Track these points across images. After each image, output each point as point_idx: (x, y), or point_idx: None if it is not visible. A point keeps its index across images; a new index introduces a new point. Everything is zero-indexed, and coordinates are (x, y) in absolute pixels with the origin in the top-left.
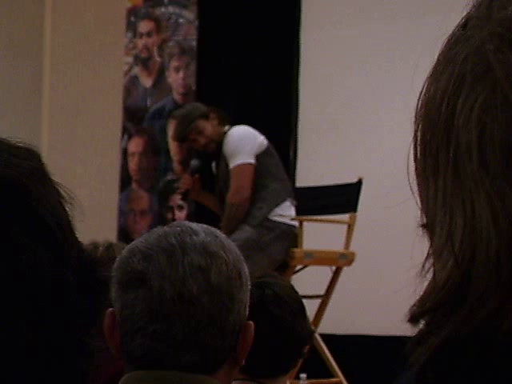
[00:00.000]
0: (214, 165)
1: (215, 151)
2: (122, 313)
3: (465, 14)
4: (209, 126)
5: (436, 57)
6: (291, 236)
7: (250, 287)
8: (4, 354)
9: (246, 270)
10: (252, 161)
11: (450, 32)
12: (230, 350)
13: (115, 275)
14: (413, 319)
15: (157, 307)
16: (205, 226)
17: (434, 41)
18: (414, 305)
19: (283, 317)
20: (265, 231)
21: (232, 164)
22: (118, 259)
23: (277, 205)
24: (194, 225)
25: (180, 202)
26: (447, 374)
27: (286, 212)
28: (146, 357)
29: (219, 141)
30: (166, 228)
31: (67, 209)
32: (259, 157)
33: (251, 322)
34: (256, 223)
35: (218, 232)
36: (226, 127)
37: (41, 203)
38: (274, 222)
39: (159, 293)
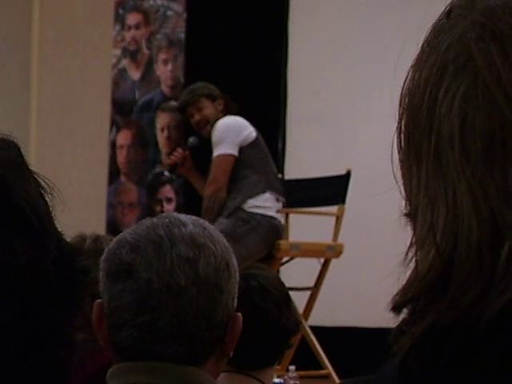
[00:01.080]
0: None
1: (209, 135)
2: (110, 304)
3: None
4: (210, 108)
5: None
6: (268, 227)
7: (238, 279)
8: None
9: (234, 261)
10: (232, 152)
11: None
12: (218, 341)
13: (103, 267)
14: (395, 308)
15: (145, 299)
16: (193, 217)
17: (422, 29)
18: (397, 294)
19: (268, 308)
20: (240, 223)
21: (214, 153)
22: (106, 251)
23: (251, 196)
24: (183, 216)
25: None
26: (429, 363)
27: (262, 203)
28: (133, 348)
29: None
30: (154, 219)
31: (47, 199)
32: (243, 149)
33: (239, 314)
34: (228, 213)
35: (206, 223)
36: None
37: (18, 193)
38: (249, 213)
39: (147, 284)
